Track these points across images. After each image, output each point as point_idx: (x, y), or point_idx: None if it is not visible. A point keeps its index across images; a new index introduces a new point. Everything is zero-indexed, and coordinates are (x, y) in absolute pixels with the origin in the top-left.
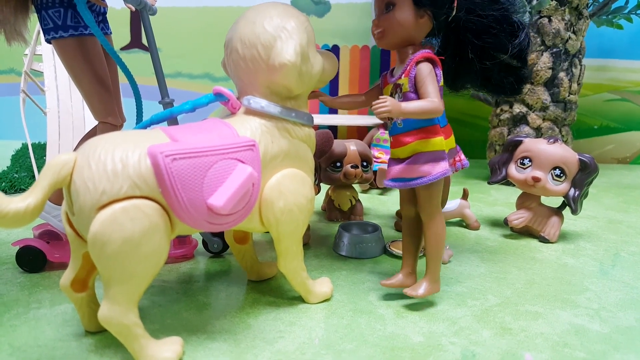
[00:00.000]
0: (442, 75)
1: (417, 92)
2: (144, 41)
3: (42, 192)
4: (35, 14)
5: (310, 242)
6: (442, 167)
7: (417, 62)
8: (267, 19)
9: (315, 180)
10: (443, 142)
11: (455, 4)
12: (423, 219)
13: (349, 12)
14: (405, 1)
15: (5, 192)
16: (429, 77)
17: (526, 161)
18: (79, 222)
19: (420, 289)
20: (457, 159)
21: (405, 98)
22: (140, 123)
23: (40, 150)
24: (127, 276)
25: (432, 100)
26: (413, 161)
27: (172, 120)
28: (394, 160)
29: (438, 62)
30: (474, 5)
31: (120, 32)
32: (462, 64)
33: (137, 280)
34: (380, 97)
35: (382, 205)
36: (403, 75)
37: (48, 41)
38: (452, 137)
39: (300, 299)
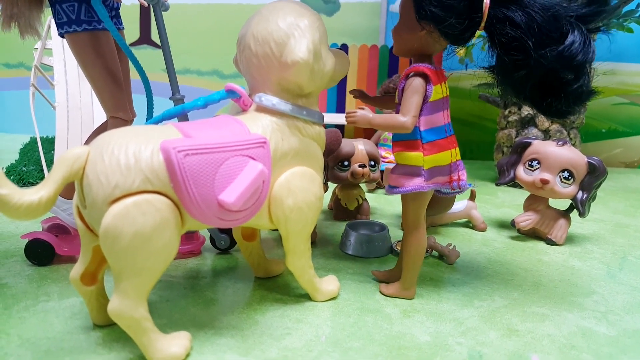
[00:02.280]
0: (433, 91)
1: None
2: (153, 37)
3: (55, 185)
4: (49, 8)
5: (317, 240)
6: (416, 182)
7: (407, 76)
8: (281, 16)
9: (323, 179)
10: (420, 158)
11: (485, 14)
12: (403, 228)
13: (358, 12)
14: (408, 15)
15: None
16: (411, 91)
17: (534, 163)
18: (90, 215)
19: (390, 289)
20: (454, 177)
21: (396, 108)
22: (153, 118)
23: (49, 144)
24: (137, 270)
25: (401, 115)
26: (393, 170)
27: (183, 117)
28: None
29: (431, 77)
30: (510, 13)
31: (129, 28)
32: (498, 77)
33: (147, 274)
34: (358, 107)
35: (389, 205)
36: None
37: (61, 35)
38: (444, 154)
39: (307, 297)
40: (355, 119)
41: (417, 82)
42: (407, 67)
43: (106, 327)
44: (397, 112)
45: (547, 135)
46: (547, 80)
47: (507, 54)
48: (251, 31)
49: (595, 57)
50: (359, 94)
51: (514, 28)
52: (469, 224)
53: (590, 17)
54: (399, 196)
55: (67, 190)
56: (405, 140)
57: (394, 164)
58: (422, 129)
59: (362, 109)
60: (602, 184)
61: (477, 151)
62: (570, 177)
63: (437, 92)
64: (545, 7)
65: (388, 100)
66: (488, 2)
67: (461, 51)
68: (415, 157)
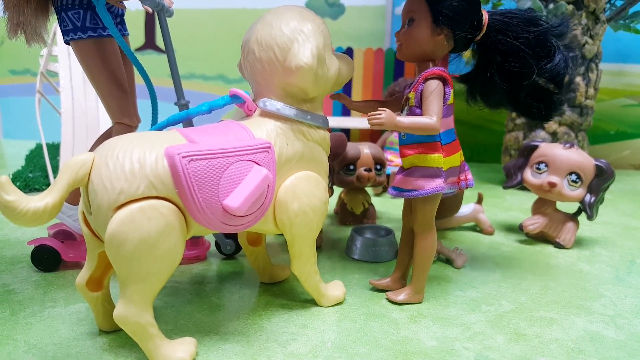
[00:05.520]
0: (451, 94)
1: (422, 108)
2: (158, 42)
3: (60, 192)
4: (54, 16)
5: (323, 245)
6: (436, 183)
7: (426, 79)
8: (284, 21)
9: (328, 183)
10: (441, 159)
11: (486, 23)
12: (415, 230)
13: (363, 15)
14: (424, 18)
15: None
16: (434, 94)
17: (542, 166)
18: (96, 221)
19: (401, 296)
20: (462, 177)
21: (410, 112)
22: (157, 124)
23: (54, 150)
24: (143, 276)
25: (429, 117)
26: (409, 173)
27: (187, 122)
28: (400, 169)
29: (449, 80)
30: (507, 26)
31: (134, 33)
32: (489, 83)
33: (152, 280)
34: (380, 108)
35: (395, 209)
36: (412, 89)
37: (67, 42)
38: (457, 155)
39: (312, 302)
40: (382, 121)
41: (439, 85)
42: (414, 70)
43: (112, 332)
44: (412, 114)
45: (554, 137)
46: (537, 88)
47: (507, 62)
48: (255, 37)
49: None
50: (342, 99)
51: (512, 38)
52: (477, 228)
53: (562, 35)
54: (402, 200)
55: (73, 196)
56: (425, 142)
57: (411, 168)
58: (441, 130)
59: (384, 110)
60: (611, 186)
61: (485, 154)
62: (577, 180)
63: (452, 95)
64: (534, 24)
65: (373, 104)
66: (487, 14)
67: (467, 53)
68: (436, 158)
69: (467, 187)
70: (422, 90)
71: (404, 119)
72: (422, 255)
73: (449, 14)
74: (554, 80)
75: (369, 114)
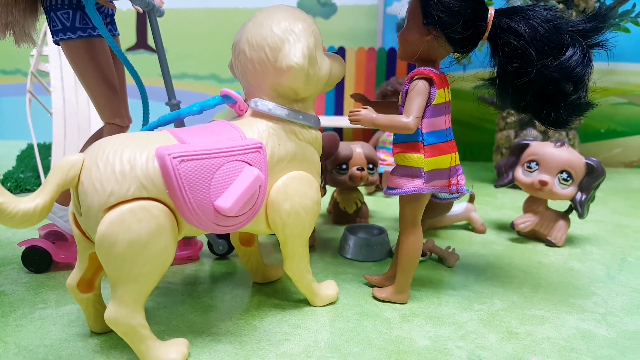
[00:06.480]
0: (437, 94)
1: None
2: (150, 42)
3: (50, 193)
4: (44, 16)
5: (316, 244)
6: (415, 184)
7: (412, 78)
8: (275, 21)
9: (321, 183)
10: (421, 159)
11: (490, 22)
12: (399, 229)
13: (355, 14)
14: (415, 20)
15: (11, 192)
16: (414, 93)
17: (533, 164)
18: (86, 222)
19: (383, 293)
20: (453, 181)
21: (400, 110)
22: (148, 124)
23: (46, 150)
24: (134, 277)
25: (405, 116)
26: (393, 172)
27: (179, 122)
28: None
29: (435, 80)
30: (514, 23)
31: (125, 33)
32: (499, 85)
33: (144, 281)
34: (362, 106)
35: (387, 208)
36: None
37: (56, 42)
38: (444, 158)
39: (305, 302)
40: (359, 117)
41: (422, 84)
42: (405, 69)
43: (103, 334)
44: (401, 114)
45: (545, 136)
46: (547, 90)
47: (510, 62)
48: (246, 37)
49: (593, 57)
50: (360, 98)
51: (517, 38)
52: (469, 226)
53: (590, 32)
54: (397, 199)
55: (64, 197)
56: (406, 141)
57: (395, 166)
58: (424, 131)
59: (366, 108)
60: (601, 185)
61: (477, 152)
62: (568, 178)
63: (440, 95)
64: (547, 20)
65: (389, 105)
66: (493, 12)
67: (459, 56)
68: (416, 158)
69: (457, 193)
70: (407, 89)
71: (381, 117)
72: (405, 256)
73: (436, 14)
74: (568, 79)
75: (350, 110)
